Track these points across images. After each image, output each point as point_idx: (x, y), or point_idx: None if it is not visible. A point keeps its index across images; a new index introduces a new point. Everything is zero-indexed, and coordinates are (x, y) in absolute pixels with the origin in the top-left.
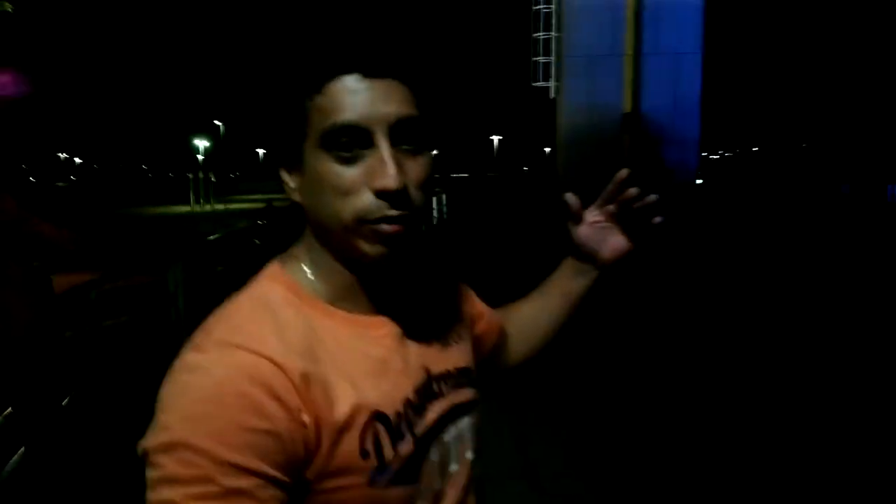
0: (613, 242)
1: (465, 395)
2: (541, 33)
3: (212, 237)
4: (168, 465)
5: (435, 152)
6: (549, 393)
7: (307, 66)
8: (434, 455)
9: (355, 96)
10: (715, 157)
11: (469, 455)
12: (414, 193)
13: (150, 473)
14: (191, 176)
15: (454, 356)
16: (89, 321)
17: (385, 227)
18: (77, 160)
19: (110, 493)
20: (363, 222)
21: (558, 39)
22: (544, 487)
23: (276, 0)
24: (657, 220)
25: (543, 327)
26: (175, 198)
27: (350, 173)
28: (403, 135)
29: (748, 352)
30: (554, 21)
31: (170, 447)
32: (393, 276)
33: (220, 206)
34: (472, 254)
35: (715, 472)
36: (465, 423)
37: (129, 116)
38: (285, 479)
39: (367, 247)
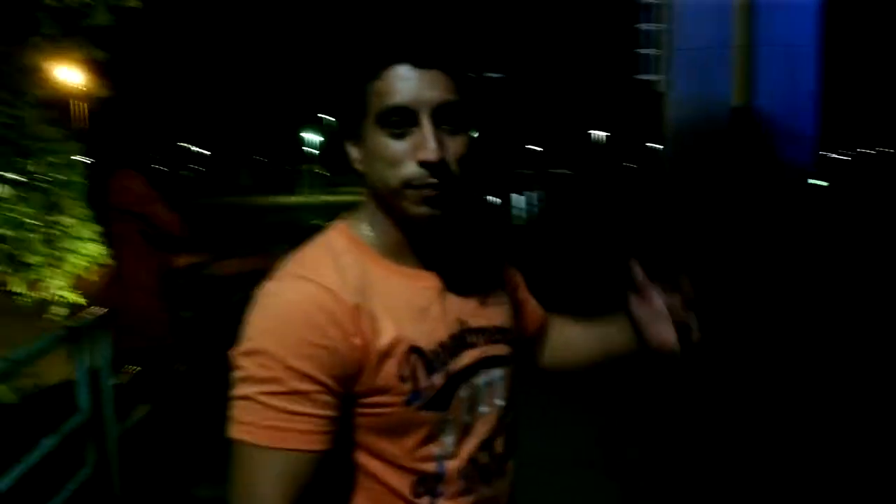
0: (663, 333)
1: (499, 349)
2: (646, 24)
3: (313, 222)
4: (248, 367)
5: (475, 134)
6: (629, 390)
7: (368, 57)
8: (463, 392)
9: (406, 83)
10: (844, 157)
11: (498, 401)
12: (452, 166)
13: (235, 375)
14: (303, 167)
15: (491, 315)
16: (200, 298)
17: (426, 191)
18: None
19: (215, 452)
20: (408, 187)
21: (665, 31)
22: (622, 477)
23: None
24: (694, 335)
25: (574, 354)
26: (287, 188)
27: (399, 146)
28: (445, 117)
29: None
30: (661, 12)
31: (250, 353)
32: (437, 238)
33: (328, 197)
34: (559, 254)
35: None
36: (496, 373)
37: (248, 109)
38: (339, 389)
39: (411, 207)
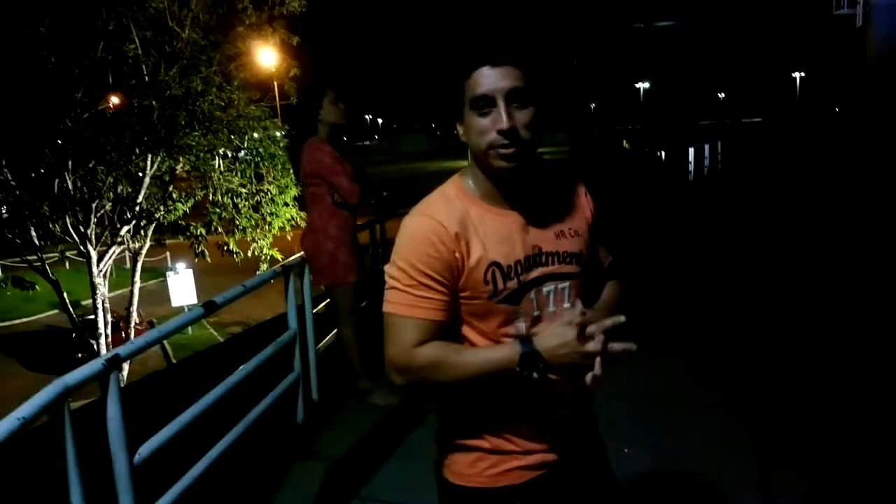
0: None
1: (568, 269)
2: None
3: None
4: (393, 270)
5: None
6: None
7: (463, 63)
8: (532, 295)
9: (486, 77)
10: None
11: (566, 305)
12: (522, 132)
13: (386, 276)
14: None
15: (563, 243)
16: (376, 248)
17: (503, 151)
18: (380, 121)
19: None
20: (491, 148)
21: None
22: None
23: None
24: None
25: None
26: (459, 154)
27: (484, 121)
28: (514, 98)
29: None
30: None
31: (394, 262)
32: (519, 186)
33: None
34: (730, 216)
35: None
36: (564, 284)
37: (414, 83)
38: (448, 283)
39: (496, 162)
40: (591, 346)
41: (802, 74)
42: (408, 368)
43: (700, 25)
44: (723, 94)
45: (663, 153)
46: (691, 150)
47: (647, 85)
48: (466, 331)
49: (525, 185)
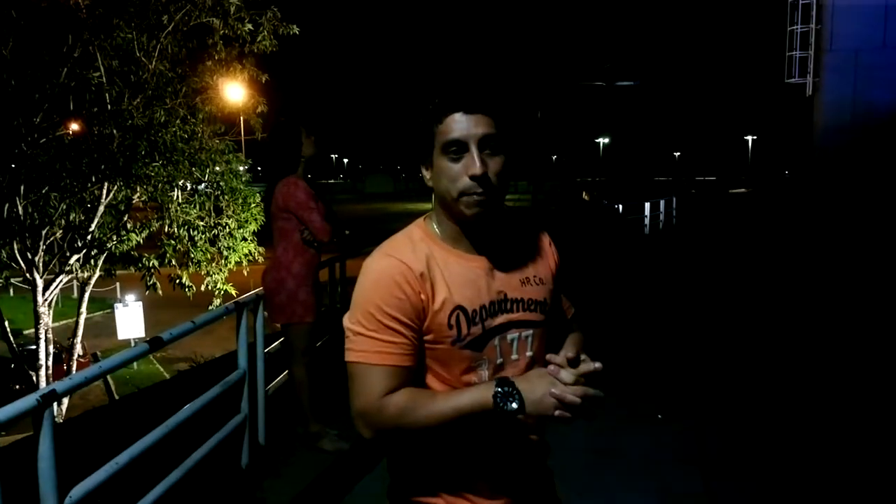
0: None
1: (532, 316)
2: (798, 26)
3: None
4: (357, 315)
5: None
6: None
7: (434, 109)
8: (496, 342)
9: (460, 124)
10: None
11: (528, 353)
12: (493, 177)
13: (348, 322)
14: None
15: (529, 290)
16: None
17: (475, 198)
18: (346, 160)
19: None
20: (462, 195)
21: (818, 32)
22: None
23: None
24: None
25: None
26: (423, 196)
27: (456, 167)
28: (487, 144)
29: None
30: (813, 13)
31: (357, 306)
32: (486, 231)
33: None
34: (687, 264)
35: None
36: (529, 332)
37: (381, 125)
38: (414, 326)
39: (465, 210)
40: (570, 394)
41: (754, 137)
42: (380, 419)
43: (659, 86)
44: (678, 153)
45: (621, 206)
46: (647, 205)
47: (606, 140)
48: (428, 378)
49: (491, 232)
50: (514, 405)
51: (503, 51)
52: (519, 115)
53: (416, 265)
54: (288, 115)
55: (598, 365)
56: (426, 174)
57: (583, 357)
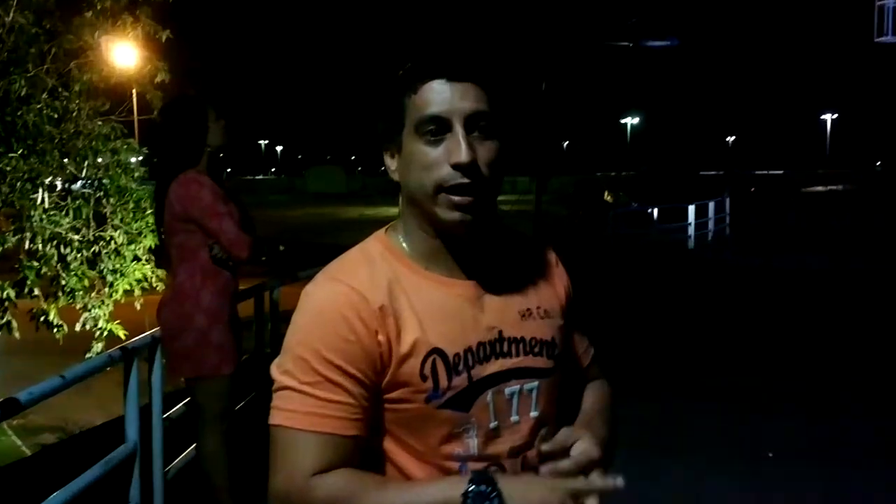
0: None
1: (538, 362)
2: None
3: None
4: (288, 361)
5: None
6: None
7: (406, 73)
8: (489, 398)
9: (441, 95)
10: None
11: (533, 413)
12: (483, 168)
13: (276, 369)
14: None
15: (534, 328)
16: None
17: (457, 197)
18: (279, 149)
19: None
20: (441, 190)
21: None
22: None
23: (382, 16)
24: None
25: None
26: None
27: (434, 152)
28: (476, 124)
29: None
30: None
31: (290, 348)
32: (473, 245)
33: None
34: (748, 297)
35: None
36: (531, 384)
37: (331, 103)
38: (368, 380)
39: (444, 213)
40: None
41: (834, 116)
42: None
43: (704, 47)
44: (732, 137)
45: (656, 211)
46: (691, 209)
47: (635, 120)
48: (392, 450)
49: (480, 246)
50: None
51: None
52: (520, 86)
53: (373, 294)
54: (195, 89)
55: (619, 482)
56: (391, 164)
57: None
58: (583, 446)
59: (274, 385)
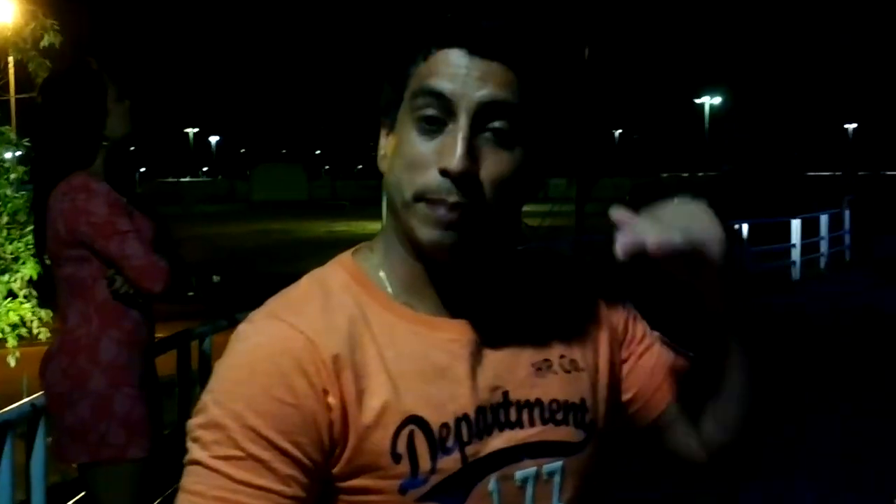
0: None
1: (563, 434)
2: None
3: None
4: (201, 425)
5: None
6: None
7: (416, 35)
8: (492, 486)
9: (453, 68)
10: None
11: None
12: (486, 185)
13: (189, 436)
14: None
15: (554, 386)
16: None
17: (440, 211)
18: (214, 140)
19: None
20: (420, 199)
21: None
22: None
23: None
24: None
25: (724, 417)
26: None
27: (424, 146)
28: (489, 121)
29: None
30: None
31: (204, 408)
32: (470, 276)
33: None
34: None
35: None
36: (554, 465)
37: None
38: (309, 461)
39: (420, 229)
40: None
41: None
42: None
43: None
44: (853, 125)
45: (745, 227)
46: (796, 223)
47: (716, 100)
48: None
49: (480, 277)
50: None
51: None
52: (562, 74)
53: (325, 339)
54: (90, 57)
55: None
56: (382, 148)
57: None
58: None
59: (186, 455)
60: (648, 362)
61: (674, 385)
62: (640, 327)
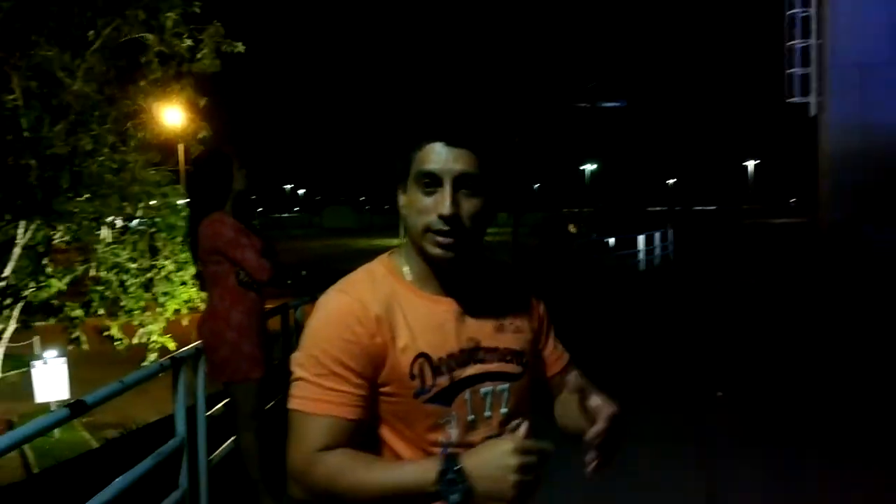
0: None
1: (509, 368)
2: (798, 41)
3: None
4: (301, 357)
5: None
6: None
7: (415, 135)
8: (467, 395)
9: (438, 156)
10: None
11: (503, 410)
12: (465, 220)
13: (293, 364)
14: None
15: (506, 339)
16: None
17: (440, 238)
18: (301, 192)
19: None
20: (428, 230)
21: (819, 47)
22: None
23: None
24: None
25: (567, 421)
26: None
27: (427, 200)
28: (463, 183)
29: None
30: (814, 27)
31: (303, 346)
32: (457, 272)
33: None
34: (694, 308)
35: None
36: (504, 386)
37: (343, 152)
38: (366, 374)
39: (431, 248)
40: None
41: (756, 162)
42: (310, 479)
43: (649, 107)
44: (673, 180)
45: (611, 240)
46: (641, 238)
47: (593, 167)
48: (387, 435)
49: (463, 273)
50: (457, 497)
51: (482, 67)
52: (507, 152)
53: (372, 305)
54: (223, 144)
55: (548, 447)
56: (400, 199)
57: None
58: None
59: (291, 376)
60: (552, 340)
61: (560, 364)
62: (547, 317)
